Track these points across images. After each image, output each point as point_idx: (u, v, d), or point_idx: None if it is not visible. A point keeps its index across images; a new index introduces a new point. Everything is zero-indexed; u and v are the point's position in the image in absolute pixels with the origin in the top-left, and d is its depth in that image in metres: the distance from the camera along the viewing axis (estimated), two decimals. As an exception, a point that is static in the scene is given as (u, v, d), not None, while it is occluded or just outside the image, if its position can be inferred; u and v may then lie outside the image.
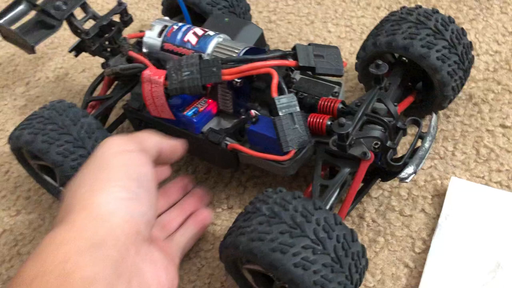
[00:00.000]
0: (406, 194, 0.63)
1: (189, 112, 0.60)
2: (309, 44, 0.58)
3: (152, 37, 0.64)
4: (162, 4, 0.82)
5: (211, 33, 0.62)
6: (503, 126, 0.68)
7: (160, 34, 0.63)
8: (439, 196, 0.62)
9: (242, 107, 0.60)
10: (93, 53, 0.71)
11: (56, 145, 0.58)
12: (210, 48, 0.60)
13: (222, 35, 0.62)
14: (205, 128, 0.60)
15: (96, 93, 0.72)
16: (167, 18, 0.67)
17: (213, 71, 0.54)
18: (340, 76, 0.58)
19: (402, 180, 0.53)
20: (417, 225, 0.61)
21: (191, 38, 0.61)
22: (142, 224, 0.39)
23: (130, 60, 0.65)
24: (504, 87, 0.72)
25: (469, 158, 0.66)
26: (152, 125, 0.63)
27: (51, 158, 0.58)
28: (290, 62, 0.56)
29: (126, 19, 0.73)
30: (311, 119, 0.56)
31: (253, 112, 0.57)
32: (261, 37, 0.67)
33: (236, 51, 0.59)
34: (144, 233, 0.40)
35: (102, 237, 0.35)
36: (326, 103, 0.57)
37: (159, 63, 0.64)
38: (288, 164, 0.54)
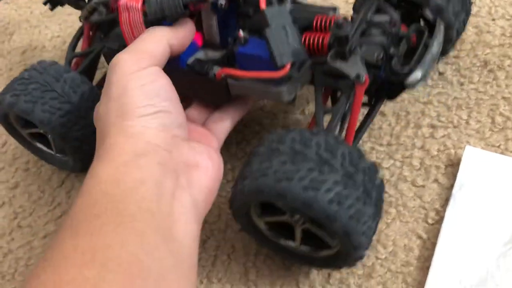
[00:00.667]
0: (418, 164, 0.61)
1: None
2: None
3: None
4: None
5: None
6: (520, 93, 0.65)
7: None
8: (453, 166, 0.60)
9: (229, 36, 0.54)
10: (69, 2, 0.68)
11: (41, 103, 0.57)
12: None
13: None
14: (190, 61, 0.55)
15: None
16: None
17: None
18: None
19: (410, 86, 0.49)
20: (430, 195, 0.58)
21: None
22: (175, 128, 0.42)
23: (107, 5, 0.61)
24: (521, 52, 0.69)
25: (484, 126, 0.63)
26: None
27: (37, 117, 0.57)
28: None
29: None
30: (307, 38, 0.51)
31: (241, 32, 0.52)
32: None
33: None
34: (180, 135, 0.43)
35: (142, 148, 0.39)
36: (322, 20, 0.51)
37: None
38: (284, 86, 0.50)
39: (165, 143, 0.40)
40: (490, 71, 0.68)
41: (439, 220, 0.56)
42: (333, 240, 0.48)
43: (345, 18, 0.51)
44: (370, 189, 0.45)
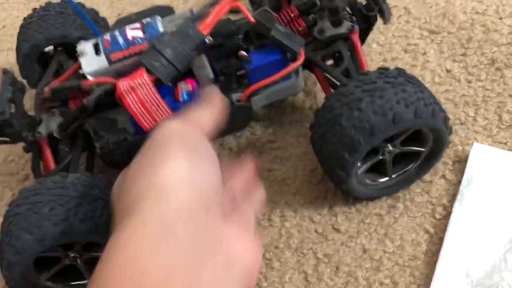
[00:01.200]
0: (426, 160, 0.62)
1: (184, 97, 0.55)
2: None
3: (91, 61, 0.56)
4: (18, 63, 0.70)
5: (146, 19, 0.57)
6: (527, 91, 0.66)
7: (97, 52, 0.56)
8: (460, 162, 0.61)
9: (221, 67, 0.58)
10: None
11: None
12: (161, 28, 0.56)
13: (155, 16, 0.58)
14: None
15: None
16: (81, 41, 0.59)
17: (190, 33, 0.52)
18: None
19: (387, 21, 0.61)
20: (437, 191, 0.59)
21: (135, 33, 0.56)
22: (211, 193, 0.34)
23: (67, 112, 0.59)
24: (528, 51, 0.70)
25: (491, 124, 0.64)
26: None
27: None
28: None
29: (21, 88, 0.61)
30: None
31: (242, 53, 0.56)
32: (173, 11, 0.64)
33: (186, 16, 0.57)
34: (215, 204, 0.35)
35: (172, 217, 0.31)
36: (284, 16, 0.61)
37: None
38: (296, 76, 0.58)
39: (198, 212, 0.32)
40: (497, 69, 0.69)
41: (447, 216, 0.57)
42: None
43: None
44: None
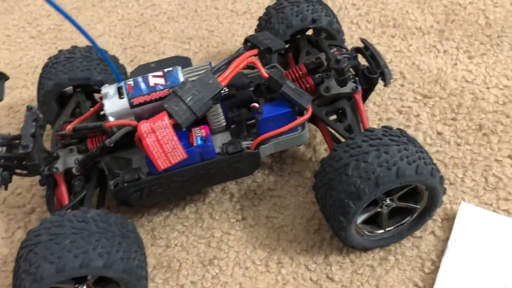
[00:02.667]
0: (416, 216, 0.65)
1: (197, 142, 0.59)
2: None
3: (114, 103, 0.60)
4: (39, 100, 0.74)
5: (167, 68, 0.62)
6: (511, 157, 0.71)
7: (120, 96, 0.60)
8: (449, 220, 0.65)
9: (233, 115, 0.63)
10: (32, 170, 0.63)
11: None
12: (182, 78, 0.61)
13: (176, 66, 0.63)
14: (218, 149, 0.61)
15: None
16: (106, 84, 0.64)
17: (210, 83, 0.57)
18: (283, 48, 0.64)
19: (388, 83, 0.65)
20: (426, 246, 0.62)
21: (157, 80, 0.61)
22: None
23: (85, 150, 0.63)
24: (513, 120, 0.75)
25: (478, 185, 0.68)
26: (157, 185, 0.61)
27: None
28: (254, 50, 0.61)
29: (42, 124, 0.64)
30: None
31: (255, 104, 0.62)
32: (190, 63, 0.70)
33: (205, 68, 0.62)
34: None
35: None
36: (293, 72, 0.67)
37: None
38: (303, 129, 0.64)
39: None
40: (485, 134, 0.74)
41: (435, 270, 0.60)
42: None
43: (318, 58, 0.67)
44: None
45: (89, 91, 0.74)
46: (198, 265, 0.64)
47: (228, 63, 0.59)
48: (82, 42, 1.00)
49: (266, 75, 0.60)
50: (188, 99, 0.56)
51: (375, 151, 0.54)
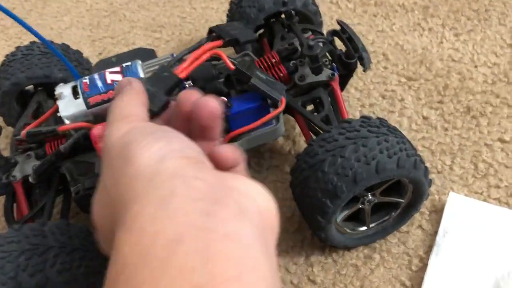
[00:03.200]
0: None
1: None
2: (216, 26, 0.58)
3: (69, 104, 0.55)
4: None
5: (126, 63, 0.58)
6: (501, 140, 0.66)
7: (75, 96, 0.56)
8: (437, 212, 0.61)
9: None
10: None
11: None
12: (141, 73, 0.56)
13: (136, 60, 0.58)
14: None
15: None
16: (61, 83, 0.59)
17: (164, 76, 0.50)
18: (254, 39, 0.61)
19: (367, 68, 0.61)
20: (414, 242, 0.59)
21: (114, 77, 0.56)
22: (198, 154, 0.33)
23: (43, 155, 0.58)
24: (503, 100, 0.71)
25: (467, 173, 0.64)
26: None
27: None
28: (218, 42, 0.56)
29: None
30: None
31: (223, 98, 0.57)
32: (154, 55, 0.65)
33: (167, 60, 0.57)
34: (206, 162, 0.34)
35: (168, 187, 0.30)
36: (264, 61, 0.61)
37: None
38: (278, 122, 0.58)
39: (191, 169, 0.31)
40: (473, 117, 0.70)
41: (423, 267, 0.56)
42: None
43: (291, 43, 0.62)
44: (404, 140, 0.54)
45: (51, 89, 0.69)
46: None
47: (188, 54, 0.54)
48: (49, 35, 0.95)
49: (232, 66, 0.55)
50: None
51: (352, 145, 0.50)
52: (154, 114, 0.49)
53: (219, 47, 0.56)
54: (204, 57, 0.54)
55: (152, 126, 0.36)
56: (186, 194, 0.29)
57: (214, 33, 0.58)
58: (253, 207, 0.31)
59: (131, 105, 0.40)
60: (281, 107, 0.56)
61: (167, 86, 0.51)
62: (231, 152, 0.37)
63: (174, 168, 0.31)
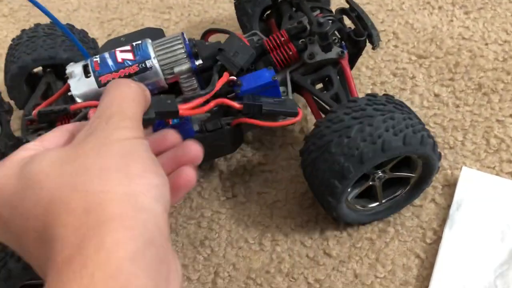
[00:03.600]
0: (416, 184, 0.62)
1: (173, 120, 0.56)
2: (219, 49, 0.57)
3: (81, 83, 0.55)
4: (6, 84, 0.70)
5: (136, 42, 0.57)
6: (513, 116, 0.67)
7: (86, 74, 0.55)
8: (449, 186, 0.61)
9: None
10: None
11: None
12: (152, 52, 0.56)
13: (146, 39, 0.58)
14: (197, 127, 0.57)
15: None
16: (71, 62, 0.59)
17: (168, 103, 0.47)
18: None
19: (376, 46, 0.61)
20: (427, 215, 0.59)
21: (125, 56, 0.56)
22: (168, 210, 0.34)
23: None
24: (514, 77, 0.71)
25: (479, 148, 0.64)
26: None
27: None
28: (224, 78, 0.55)
29: (7, 109, 0.61)
30: (277, 57, 0.60)
31: (233, 77, 0.56)
32: (163, 34, 0.63)
33: (177, 41, 0.57)
34: (168, 220, 0.34)
35: (151, 230, 0.30)
36: (272, 40, 0.61)
37: None
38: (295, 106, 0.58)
39: (167, 227, 0.32)
40: (485, 94, 0.70)
41: (437, 240, 0.57)
42: None
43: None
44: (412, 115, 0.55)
45: (59, 70, 0.69)
46: (188, 247, 0.61)
47: (200, 94, 0.54)
48: (58, 17, 0.95)
49: (239, 106, 0.55)
50: None
51: (358, 124, 0.50)
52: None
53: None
54: (210, 104, 0.54)
55: (152, 153, 0.35)
56: (158, 251, 0.29)
57: (210, 33, 0.59)
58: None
59: (134, 106, 0.36)
60: (299, 117, 0.56)
61: (162, 110, 0.47)
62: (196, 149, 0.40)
63: (159, 217, 0.31)
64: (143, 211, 0.30)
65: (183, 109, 0.51)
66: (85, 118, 0.54)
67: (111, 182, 0.30)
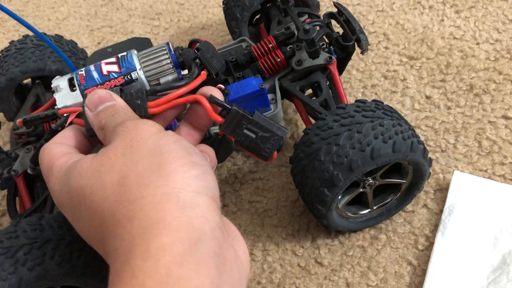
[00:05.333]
0: (407, 189, 0.61)
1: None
2: (197, 49, 0.54)
3: (66, 97, 0.54)
4: None
5: (121, 53, 0.56)
6: (505, 117, 0.66)
7: (72, 88, 0.54)
8: (442, 190, 0.61)
9: None
10: None
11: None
12: (137, 63, 0.54)
13: (131, 50, 0.56)
14: None
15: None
16: (57, 76, 0.56)
17: (137, 103, 0.46)
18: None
19: (365, 51, 0.60)
20: (419, 221, 0.59)
21: (110, 68, 0.54)
22: (216, 193, 0.33)
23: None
24: (506, 77, 0.70)
25: (471, 150, 0.64)
26: None
27: None
28: (203, 75, 0.51)
29: None
30: (265, 64, 0.60)
31: (220, 86, 0.54)
32: (150, 43, 0.62)
33: (163, 51, 0.54)
34: (218, 201, 0.33)
35: (198, 227, 0.29)
36: (260, 47, 0.61)
37: None
38: (274, 109, 0.59)
39: (216, 218, 0.31)
40: (476, 95, 0.69)
41: (429, 246, 0.56)
42: None
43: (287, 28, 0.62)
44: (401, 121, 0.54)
45: (49, 81, 0.68)
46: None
47: (173, 88, 0.49)
48: (47, 27, 0.95)
49: (219, 119, 0.45)
50: None
51: (347, 132, 0.49)
52: None
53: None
54: (180, 100, 0.47)
55: (183, 140, 0.35)
56: (209, 245, 0.29)
57: (196, 42, 0.56)
58: (246, 270, 0.32)
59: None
60: (273, 159, 0.46)
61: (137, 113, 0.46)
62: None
63: (205, 209, 0.30)
64: (187, 208, 0.29)
65: (155, 107, 0.47)
66: (65, 123, 0.53)
67: (148, 186, 0.30)
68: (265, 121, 0.44)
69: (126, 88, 0.51)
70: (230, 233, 0.33)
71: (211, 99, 0.44)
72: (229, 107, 0.44)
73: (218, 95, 0.45)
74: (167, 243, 0.28)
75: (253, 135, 0.44)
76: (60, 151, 0.39)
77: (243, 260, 0.33)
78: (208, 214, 0.30)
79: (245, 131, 0.44)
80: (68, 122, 0.48)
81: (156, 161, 0.32)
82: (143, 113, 0.45)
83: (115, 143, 0.34)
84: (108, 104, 0.40)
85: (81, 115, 0.50)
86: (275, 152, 0.45)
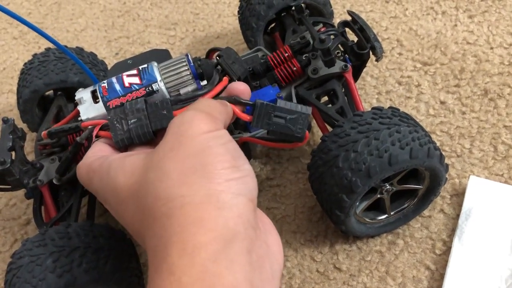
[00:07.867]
0: (424, 194, 0.62)
1: None
2: (219, 56, 0.56)
3: (90, 109, 0.55)
4: (19, 108, 0.71)
5: (142, 65, 0.57)
6: (520, 121, 0.66)
7: (95, 100, 0.55)
8: (458, 195, 0.61)
9: None
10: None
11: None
12: (158, 75, 0.55)
13: (151, 62, 0.58)
14: None
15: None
16: (80, 88, 0.58)
17: (164, 114, 0.48)
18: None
19: (380, 58, 0.62)
20: (436, 226, 0.59)
21: (131, 80, 0.56)
22: (255, 195, 0.35)
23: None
24: (520, 81, 0.71)
25: (487, 155, 0.64)
26: None
27: None
28: (224, 81, 0.52)
29: (20, 135, 0.61)
30: (281, 73, 0.61)
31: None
32: (169, 55, 0.63)
33: (182, 63, 0.55)
34: (255, 203, 0.35)
35: (233, 227, 0.31)
36: (276, 56, 0.62)
37: None
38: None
39: (251, 218, 0.32)
40: (491, 99, 0.70)
41: (447, 251, 0.57)
42: None
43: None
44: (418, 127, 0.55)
45: (70, 93, 0.70)
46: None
47: (197, 96, 0.51)
48: (65, 38, 0.97)
49: (248, 118, 0.48)
50: (132, 121, 0.48)
51: (364, 139, 0.50)
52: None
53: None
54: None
55: (231, 142, 0.36)
56: (242, 243, 0.31)
57: (214, 51, 0.59)
58: (279, 265, 0.34)
59: (211, 105, 0.41)
60: (305, 141, 0.50)
61: (159, 126, 0.48)
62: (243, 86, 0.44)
63: (242, 209, 0.32)
64: (224, 209, 0.31)
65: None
66: (91, 136, 0.55)
67: (190, 186, 0.32)
68: (288, 105, 0.48)
69: (149, 99, 0.53)
70: (264, 228, 0.35)
71: (235, 101, 0.46)
72: (252, 103, 0.47)
73: (245, 88, 0.47)
74: (203, 241, 0.30)
75: (283, 121, 0.47)
76: (95, 160, 0.41)
77: (276, 254, 0.34)
78: (244, 215, 0.32)
79: (274, 119, 0.47)
80: (94, 136, 0.50)
81: (201, 161, 0.33)
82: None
83: (167, 137, 0.36)
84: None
85: (105, 127, 0.52)
86: (307, 132, 0.49)
